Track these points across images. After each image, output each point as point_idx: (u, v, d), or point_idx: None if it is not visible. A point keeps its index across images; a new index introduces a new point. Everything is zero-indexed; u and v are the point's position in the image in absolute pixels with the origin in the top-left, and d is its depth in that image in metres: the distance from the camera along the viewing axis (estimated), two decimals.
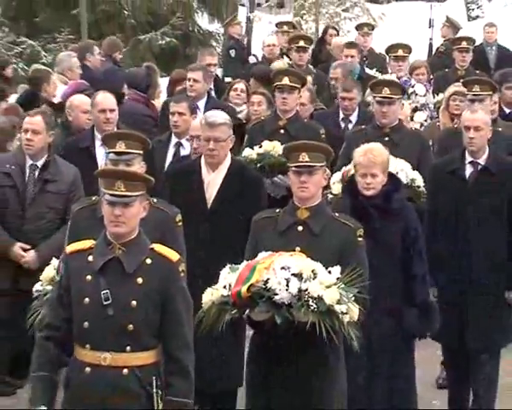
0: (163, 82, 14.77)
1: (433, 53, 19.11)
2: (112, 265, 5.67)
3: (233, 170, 8.29)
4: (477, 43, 18.45)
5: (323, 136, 10.21)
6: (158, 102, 13.20)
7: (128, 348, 5.60)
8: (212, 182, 8.18)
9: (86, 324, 5.63)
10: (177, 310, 5.74)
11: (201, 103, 11.91)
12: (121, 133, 7.56)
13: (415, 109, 12.41)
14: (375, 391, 7.58)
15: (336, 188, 8.97)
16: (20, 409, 8.88)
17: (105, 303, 5.58)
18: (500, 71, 13.31)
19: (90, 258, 5.72)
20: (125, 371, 5.59)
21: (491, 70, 16.42)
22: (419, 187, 8.85)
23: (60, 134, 10.66)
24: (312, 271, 6.25)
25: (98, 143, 9.52)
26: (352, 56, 14.44)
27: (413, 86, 12.85)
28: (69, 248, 5.90)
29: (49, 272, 7.13)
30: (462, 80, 11.48)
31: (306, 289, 6.12)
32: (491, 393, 8.56)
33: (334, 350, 6.62)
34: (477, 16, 32.43)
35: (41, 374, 5.70)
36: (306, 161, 6.75)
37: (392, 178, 7.76)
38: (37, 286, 7.22)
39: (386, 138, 9.29)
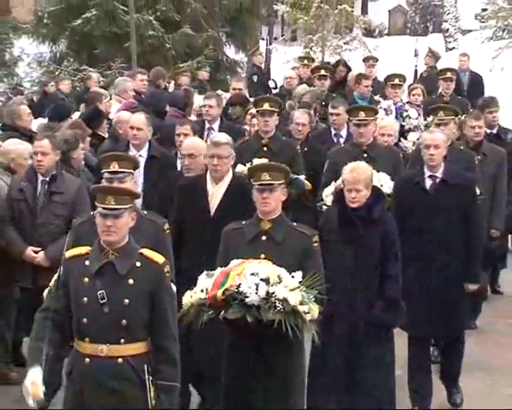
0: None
1: (418, 77, 19.18)
2: (106, 268, 5.42)
3: (234, 184, 7.87)
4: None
5: (300, 151, 9.91)
6: (193, 119, 13.20)
7: (122, 340, 5.37)
8: (215, 193, 7.81)
9: (85, 320, 5.37)
10: (164, 306, 5.48)
11: (216, 125, 11.63)
12: (114, 155, 7.15)
13: (408, 130, 12.13)
14: (360, 378, 7.16)
15: (329, 200, 8.60)
16: None
17: (101, 302, 5.33)
18: (484, 97, 13.00)
19: (87, 262, 5.46)
20: (120, 360, 5.36)
21: (464, 91, 16.34)
22: None
23: (109, 143, 10.75)
24: (278, 276, 6.04)
25: (131, 153, 9.41)
26: (371, 86, 14.06)
27: (407, 111, 12.56)
28: (68, 254, 5.63)
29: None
30: (430, 107, 11.24)
31: (273, 292, 5.94)
32: (460, 362, 8.34)
33: (297, 342, 6.32)
34: (453, 47, 32.50)
35: (36, 344, 5.51)
36: (268, 180, 6.46)
37: (376, 191, 7.51)
38: (46, 292, 6.77)
39: (365, 155, 8.89)
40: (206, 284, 6.14)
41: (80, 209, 8.62)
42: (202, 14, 27.08)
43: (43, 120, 12.10)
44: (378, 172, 8.49)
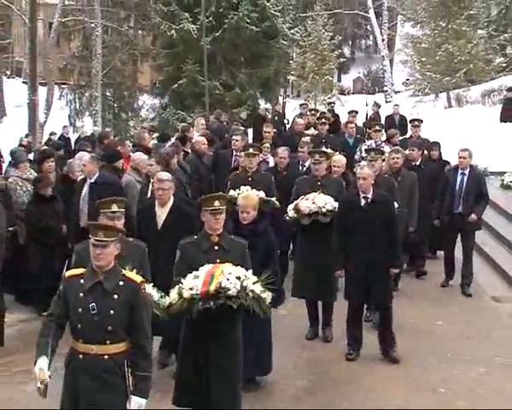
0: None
1: (368, 118, 19.03)
2: (96, 286, 4.44)
3: (174, 207, 6.86)
4: (389, 114, 18.52)
5: (273, 181, 8.81)
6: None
7: (108, 341, 4.42)
8: (161, 214, 6.81)
9: (79, 325, 4.42)
10: (141, 314, 4.49)
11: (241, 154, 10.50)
12: (114, 199, 5.81)
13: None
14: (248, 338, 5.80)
15: (291, 213, 7.75)
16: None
17: (92, 312, 4.40)
18: (427, 140, 11.89)
19: (82, 281, 4.47)
20: (106, 357, 4.41)
21: (396, 127, 15.48)
22: None
23: (192, 158, 10.52)
24: (245, 275, 5.22)
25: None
26: (355, 127, 13.21)
27: (383, 147, 11.08)
28: (67, 274, 4.65)
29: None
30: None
31: (246, 286, 5.15)
32: (391, 327, 7.30)
33: (238, 322, 5.44)
34: (390, 101, 32.23)
35: (43, 340, 4.48)
36: (218, 206, 5.43)
37: (261, 213, 6.71)
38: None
39: (319, 183, 7.91)
40: (193, 284, 5.17)
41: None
42: (246, 81, 27.09)
43: (154, 141, 12.13)
44: (325, 194, 7.72)
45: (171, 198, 6.91)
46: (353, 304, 7.38)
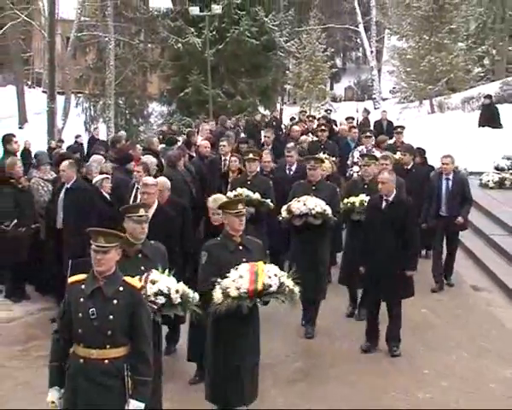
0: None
1: (358, 124, 18.99)
2: (97, 291, 4.14)
3: (158, 210, 6.55)
4: (377, 119, 18.48)
5: (272, 185, 8.47)
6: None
7: (108, 346, 4.12)
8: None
9: (80, 330, 4.13)
10: (141, 319, 4.19)
11: (227, 157, 9.94)
12: (143, 204, 5.68)
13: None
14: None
15: (284, 214, 7.51)
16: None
17: (92, 317, 4.10)
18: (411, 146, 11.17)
19: (83, 287, 4.17)
20: (106, 361, 4.12)
21: (384, 132, 15.20)
22: (328, 214, 7.33)
23: (196, 160, 10.54)
24: (279, 271, 5.05)
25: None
26: (356, 132, 12.95)
27: (373, 152, 10.55)
28: (70, 280, 4.32)
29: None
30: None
31: (283, 282, 4.99)
32: (398, 325, 7.08)
33: (256, 318, 5.30)
34: (378, 107, 32.21)
35: (54, 364, 4.24)
36: (241, 208, 5.24)
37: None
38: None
39: (314, 187, 7.63)
40: (240, 283, 4.92)
41: None
42: (246, 89, 27.11)
43: (162, 145, 12.12)
44: (317, 198, 7.49)
45: (156, 202, 6.66)
46: (369, 300, 7.26)
